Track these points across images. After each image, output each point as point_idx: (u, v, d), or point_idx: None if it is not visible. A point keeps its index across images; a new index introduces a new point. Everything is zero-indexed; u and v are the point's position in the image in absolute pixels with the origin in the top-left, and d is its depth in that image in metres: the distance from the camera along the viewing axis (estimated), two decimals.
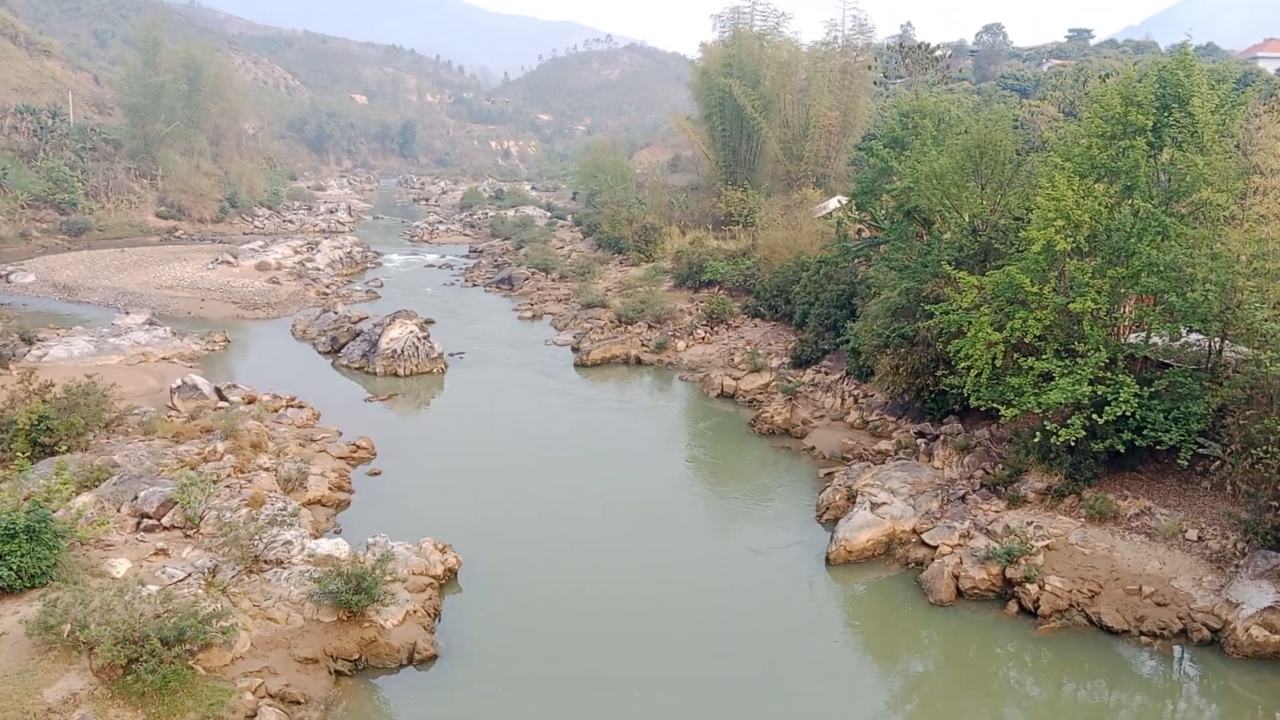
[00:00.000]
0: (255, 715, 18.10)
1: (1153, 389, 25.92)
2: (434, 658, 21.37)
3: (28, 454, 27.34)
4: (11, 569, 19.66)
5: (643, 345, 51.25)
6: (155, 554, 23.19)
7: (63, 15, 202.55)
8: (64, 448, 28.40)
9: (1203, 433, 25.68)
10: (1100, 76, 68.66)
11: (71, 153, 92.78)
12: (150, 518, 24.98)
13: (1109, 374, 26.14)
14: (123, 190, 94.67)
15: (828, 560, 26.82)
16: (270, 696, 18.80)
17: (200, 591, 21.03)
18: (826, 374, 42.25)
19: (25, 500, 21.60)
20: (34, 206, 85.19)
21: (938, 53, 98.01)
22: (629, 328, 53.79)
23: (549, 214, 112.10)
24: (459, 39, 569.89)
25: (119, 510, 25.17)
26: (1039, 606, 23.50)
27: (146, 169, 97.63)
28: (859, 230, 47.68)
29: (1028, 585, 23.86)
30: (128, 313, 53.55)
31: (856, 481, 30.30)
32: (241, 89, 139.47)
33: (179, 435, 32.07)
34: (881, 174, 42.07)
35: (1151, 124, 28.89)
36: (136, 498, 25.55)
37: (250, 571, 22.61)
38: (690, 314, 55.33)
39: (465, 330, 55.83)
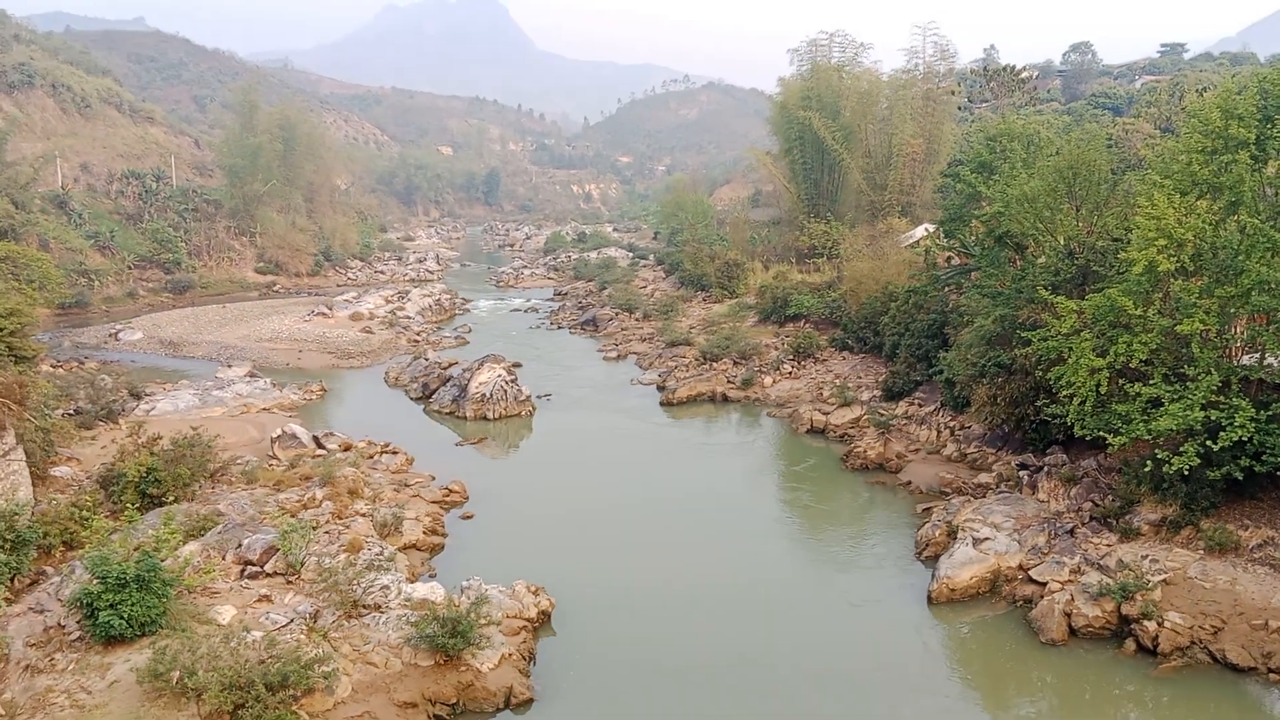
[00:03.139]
0: None
1: (1270, 412, 24.57)
2: (530, 701, 21.25)
3: (137, 505, 28.31)
4: (123, 618, 20.26)
5: (729, 382, 50.91)
6: (259, 600, 23.69)
7: (164, 83, 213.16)
8: (171, 498, 29.33)
9: None
10: (1197, 90, 66.55)
11: (175, 214, 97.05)
12: (253, 564, 25.57)
13: (1222, 398, 24.89)
14: (223, 248, 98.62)
15: (930, 599, 25.96)
16: None
17: (302, 637, 21.36)
18: (920, 406, 41.28)
19: (135, 550, 22.28)
20: (140, 267, 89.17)
21: (1024, 74, 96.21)
22: (714, 365, 53.53)
23: (631, 254, 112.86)
24: (541, 86, 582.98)
25: (224, 558, 25.82)
26: (1158, 644, 22.35)
27: (245, 227, 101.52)
28: (948, 258, 46.78)
29: (1145, 622, 22.71)
30: (230, 366, 55.48)
31: (957, 516, 29.36)
32: (333, 146, 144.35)
33: (280, 483, 32.88)
34: (970, 200, 41.26)
35: (1254, 137, 27.63)
36: (240, 545, 26.21)
37: (349, 616, 22.89)
38: (776, 349, 54.82)
39: (552, 372, 56.31)
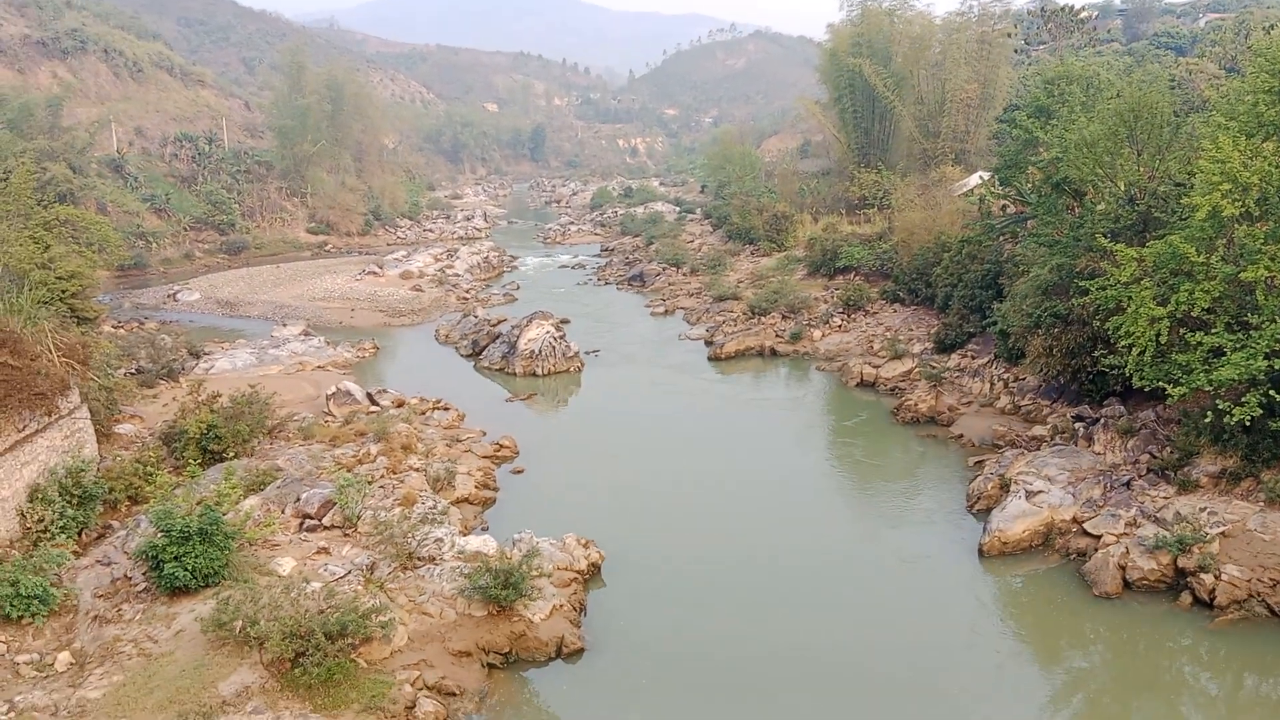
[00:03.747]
0: (414, 706, 18.68)
1: None
2: (581, 651, 21.60)
3: (198, 461, 29.06)
4: (187, 569, 20.89)
5: (777, 336, 50.59)
6: (317, 552, 24.26)
7: (213, 45, 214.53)
8: (231, 454, 30.04)
9: None
10: (1264, 28, 64.00)
11: (228, 176, 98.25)
12: (312, 518, 26.15)
13: None
14: (276, 209, 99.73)
15: (981, 552, 25.80)
16: (428, 688, 19.40)
17: (359, 588, 21.88)
18: (973, 358, 40.72)
19: (198, 504, 22.88)
20: (196, 228, 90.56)
21: (1083, 14, 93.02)
22: (762, 319, 53.20)
23: (678, 208, 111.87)
24: (584, 39, 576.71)
25: (283, 511, 26.45)
26: (1215, 597, 22.03)
27: (296, 188, 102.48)
28: (1003, 206, 45.81)
29: (1202, 575, 22.37)
30: (285, 325, 56.35)
31: (1009, 469, 29.04)
32: (380, 105, 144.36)
33: (335, 439, 33.48)
34: (1026, 146, 40.27)
35: None
36: (299, 499, 26.81)
37: (405, 568, 23.40)
38: (825, 302, 54.29)
39: (600, 328, 56.41)
